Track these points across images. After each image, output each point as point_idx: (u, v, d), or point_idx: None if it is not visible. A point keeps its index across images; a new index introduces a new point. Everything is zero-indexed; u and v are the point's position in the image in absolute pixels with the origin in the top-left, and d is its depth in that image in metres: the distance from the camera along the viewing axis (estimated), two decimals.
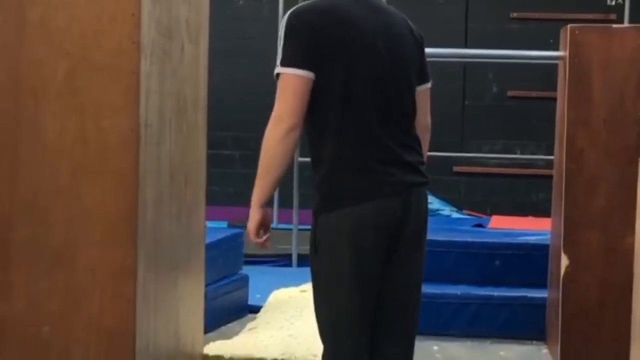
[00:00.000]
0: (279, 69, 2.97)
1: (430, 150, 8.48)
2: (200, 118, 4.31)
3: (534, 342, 5.38)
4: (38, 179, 3.50)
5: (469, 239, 5.69)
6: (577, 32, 4.79)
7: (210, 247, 4.83)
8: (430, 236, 5.52)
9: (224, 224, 7.60)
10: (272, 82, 3.01)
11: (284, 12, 3.91)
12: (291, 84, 2.93)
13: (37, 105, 3.51)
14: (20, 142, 3.51)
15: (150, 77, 3.57)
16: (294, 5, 3.08)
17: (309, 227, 8.65)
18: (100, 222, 3.46)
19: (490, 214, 7.76)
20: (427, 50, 4.20)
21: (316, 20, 2.97)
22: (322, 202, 3.00)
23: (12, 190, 3.51)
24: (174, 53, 3.84)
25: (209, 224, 5.08)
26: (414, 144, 3.11)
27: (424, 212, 3.09)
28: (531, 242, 5.64)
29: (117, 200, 3.45)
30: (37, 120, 3.51)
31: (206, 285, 4.56)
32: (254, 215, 3.03)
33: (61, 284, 3.47)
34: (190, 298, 4.24)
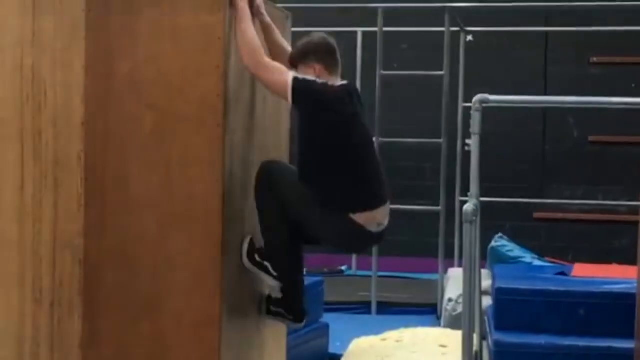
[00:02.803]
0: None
1: (510, 197, 8.40)
2: None
3: None
4: (125, 228, 3.58)
5: (552, 288, 5.59)
6: None
7: None
8: (512, 285, 5.49)
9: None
10: None
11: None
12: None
13: (125, 156, 3.60)
14: (108, 191, 3.60)
15: (234, 129, 3.63)
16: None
17: (388, 273, 8.49)
18: (186, 271, 3.51)
19: (573, 261, 7.62)
20: (508, 97, 4.20)
21: None
22: None
23: (100, 239, 3.60)
24: (257, 104, 3.90)
25: None
26: None
27: None
28: (616, 290, 5.52)
29: (203, 249, 3.50)
30: (124, 170, 3.59)
31: (287, 334, 4.57)
32: None
33: (147, 332, 3.52)
34: (273, 347, 4.25)
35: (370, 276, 7.15)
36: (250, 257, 3.73)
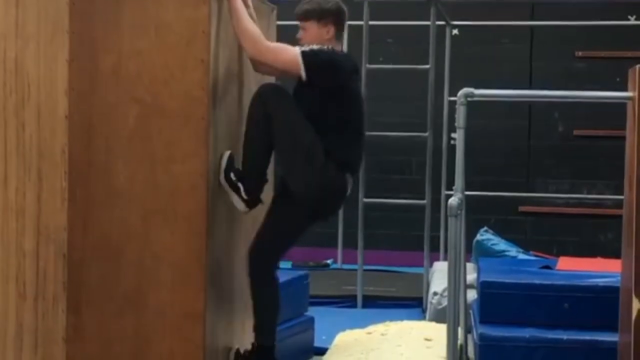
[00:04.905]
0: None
1: (495, 190, 8.40)
2: None
3: None
4: (109, 222, 3.57)
5: (537, 281, 5.61)
6: None
7: None
8: (497, 278, 5.51)
9: (289, 264, 7.61)
10: None
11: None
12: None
13: (109, 150, 3.58)
14: (92, 185, 3.59)
15: (219, 122, 3.62)
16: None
17: (373, 267, 8.50)
18: (170, 266, 3.51)
19: (557, 255, 7.64)
20: (493, 91, 4.20)
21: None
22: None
23: (84, 233, 3.58)
24: (243, 97, 3.89)
25: None
26: None
27: None
28: (601, 284, 5.54)
29: (187, 244, 3.49)
30: (108, 165, 3.58)
31: None
32: None
33: (132, 326, 3.52)
34: None
35: (355, 270, 7.15)
36: (227, 174, 3.66)
